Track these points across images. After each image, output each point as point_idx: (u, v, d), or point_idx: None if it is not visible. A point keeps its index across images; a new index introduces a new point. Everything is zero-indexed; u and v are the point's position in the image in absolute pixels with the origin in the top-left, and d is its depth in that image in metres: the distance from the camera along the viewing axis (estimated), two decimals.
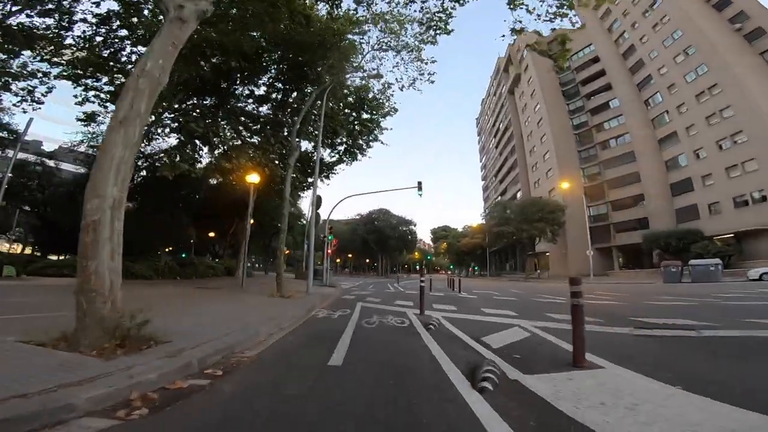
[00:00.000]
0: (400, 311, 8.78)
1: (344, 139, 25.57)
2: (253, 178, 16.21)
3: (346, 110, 23.46)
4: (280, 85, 18.37)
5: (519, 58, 69.96)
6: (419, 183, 23.30)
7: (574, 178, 49.48)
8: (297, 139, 12.97)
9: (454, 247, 73.59)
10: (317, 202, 13.42)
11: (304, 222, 37.55)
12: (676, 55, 44.39)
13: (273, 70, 17.53)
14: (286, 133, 19.69)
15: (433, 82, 19.13)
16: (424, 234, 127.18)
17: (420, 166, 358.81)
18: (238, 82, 17.02)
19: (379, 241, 63.63)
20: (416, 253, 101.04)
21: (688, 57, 43.04)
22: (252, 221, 32.99)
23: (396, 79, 19.45)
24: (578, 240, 50.02)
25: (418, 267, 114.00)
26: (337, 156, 26.82)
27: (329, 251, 21.67)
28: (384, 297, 13.21)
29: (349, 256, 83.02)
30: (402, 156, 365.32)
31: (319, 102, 16.03)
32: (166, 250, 22.01)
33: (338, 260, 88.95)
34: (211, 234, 30.02)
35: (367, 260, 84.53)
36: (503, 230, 42.59)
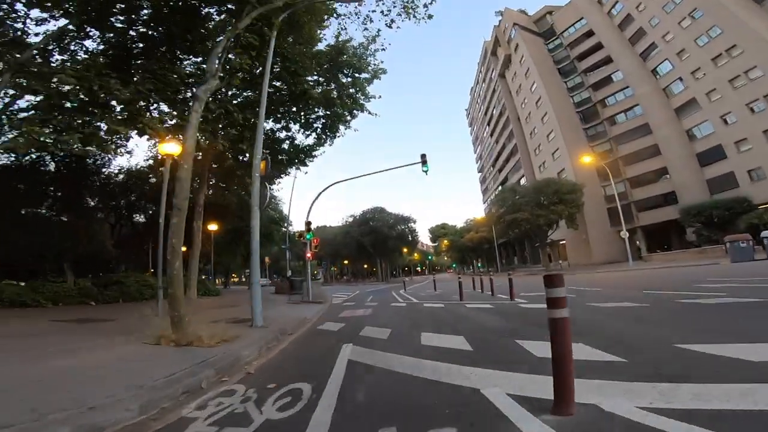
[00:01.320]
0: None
1: (319, 111, 20.19)
2: (171, 148, 10.72)
3: (318, 66, 18.01)
4: None
5: (507, 39, 65.62)
6: (423, 156, 17.88)
7: (583, 157, 45.13)
8: (216, 65, 7.46)
9: (458, 244, 68.22)
10: (265, 167, 7.84)
11: (289, 228, 31.73)
12: (681, 20, 41.19)
13: None
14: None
15: (431, 17, 13.73)
16: (421, 235, 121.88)
17: (408, 168, 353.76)
18: None
19: (376, 243, 57.83)
20: (416, 254, 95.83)
21: (695, 20, 39.88)
22: (215, 227, 27.43)
23: (382, 12, 13.93)
24: (597, 223, 45.55)
25: (419, 268, 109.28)
26: (314, 136, 21.49)
27: (309, 254, 16.04)
28: (397, 323, 7.60)
29: (345, 262, 77.20)
30: (388, 157, 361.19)
31: (266, 29, 10.51)
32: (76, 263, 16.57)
33: (334, 268, 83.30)
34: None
35: (365, 265, 78.81)
36: (516, 217, 37.20)
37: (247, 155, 18.17)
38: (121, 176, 24.13)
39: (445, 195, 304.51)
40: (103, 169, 18.96)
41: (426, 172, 17.87)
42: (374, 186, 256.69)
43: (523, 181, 57.21)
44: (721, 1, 36.65)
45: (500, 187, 65.30)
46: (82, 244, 14.81)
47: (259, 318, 7.27)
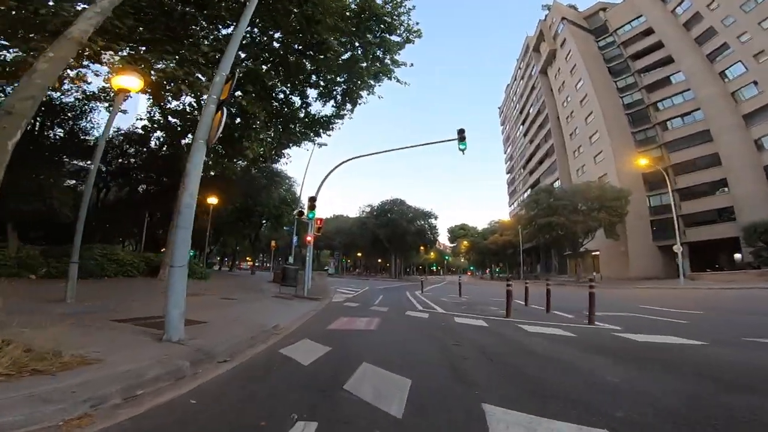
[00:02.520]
0: None
1: (339, 77, 17.11)
2: (127, 81, 7.88)
3: (341, 19, 14.91)
4: None
5: (553, 34, 61.50)
6: (461, 132, 14.57)
7: (630, 162, 41.09)
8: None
9: (479, 246, 64.24)
10: (229, 90, 4.56)
11: (301, 209, 28.80)
12: (763, 20, 36.27)
13: None
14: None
15: None
16: (440, 234, 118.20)
17: (433, 166, 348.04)
18: None
19: (392, 237, 54.37)
20: (433, 254, 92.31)
21: None
22: (216, 200, 24.58)
23: None
24: (638, 235, 41.33)
25: (434, 267, 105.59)
26: (333, 105, 18.42)
27: (309, 237, 12.92)
28: (422, 362, 4.27)
29: (359, 255, 74.27)
30: (410, 155, 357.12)
31: None
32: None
33: (346, 259, 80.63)
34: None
35: (379, 260, 75.67)
36: (551, 221, 33.35)
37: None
38: (120, 137, 21.69)
39: (467, 195, 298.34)
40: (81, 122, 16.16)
41: (463, 150, 14.54)
42: (393, 180, 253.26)
43: (557, 185, 53.08)
44: None
45: (530, 190, 61.37)
46: (32, 202, 12.07)
47: (175, 326, 4.11)
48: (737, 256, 36.73)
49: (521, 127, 77.89)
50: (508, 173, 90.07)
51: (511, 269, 67.21)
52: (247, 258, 67.49)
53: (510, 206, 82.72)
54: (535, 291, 12.01)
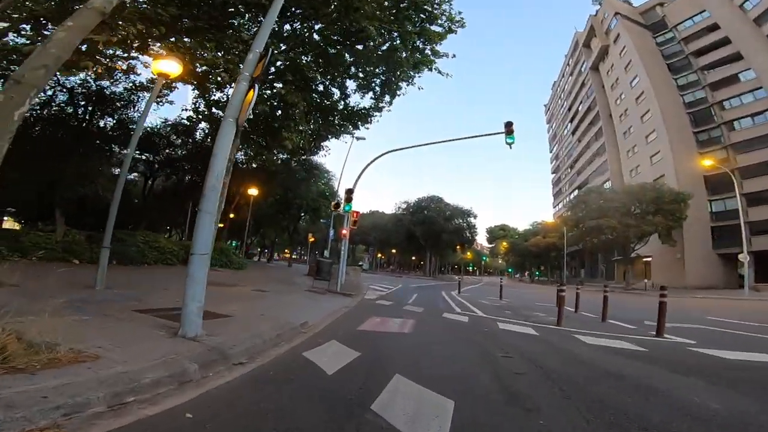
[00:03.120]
0: None
1: (379, 69, 16.62)
2: (167, 66, 7.74)
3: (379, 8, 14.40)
4: None
5: (605, 29, 58.52)
6: (509, 125, 13.74)
7: (691, 163, 38.03)
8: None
9: (519, 248, 62.02)
10: (262, 67, 4.14)
11: (338, 201, 28.67)
12: None
13: None
14: None
15: None
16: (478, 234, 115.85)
17: (473, 164, 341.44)
18: None
19: (428, 235, 53.41)
20: (469, 254, 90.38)
21: None
22: (256, 191, 24.81)
23: None
24: (697, 242, 38.27)
25: (470, 267, 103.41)
26: (372, 96, 17.97)
27: (344, 231, 12.54)
28: (467, 377, 3.63)
29: (393, 251, 73.85)
30: (450, 151, 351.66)
31: None
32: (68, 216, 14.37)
33: (381, 255, 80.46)
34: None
35: (413, 257, 74.88)
36: (601, 224, 31.36)
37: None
38: (167, 128, 22.32)
39: (508, 195, 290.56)
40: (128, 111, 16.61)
41: (510, 144, 13.69)
42: (431, 177, 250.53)
43: (607, 185, 50.21)
44: None
45: (576, 191, 58.53)
46: (79, 188, 12.45)
47: (192, 320, 3.74)
48: None
49: (569, 125, 74.61)
50: (553, 173, 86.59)
51: (552, 273, 64.52)
52: (286, 250, 68.83)
53: (554, 207, 79.53)
54: (582, 297, 10.98)
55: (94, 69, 10.55)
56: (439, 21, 15.44)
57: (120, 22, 9.69)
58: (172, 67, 8.37)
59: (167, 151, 22.41)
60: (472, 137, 15.87)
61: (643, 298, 20.16)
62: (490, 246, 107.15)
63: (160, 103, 17.77)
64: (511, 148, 13.99)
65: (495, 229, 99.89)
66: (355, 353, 4.05)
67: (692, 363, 4.03)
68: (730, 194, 37.06)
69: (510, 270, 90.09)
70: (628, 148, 50.70)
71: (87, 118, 15.22)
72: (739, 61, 41.43)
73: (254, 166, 24.03)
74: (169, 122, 21.82)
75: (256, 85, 4.75)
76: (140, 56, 14.09)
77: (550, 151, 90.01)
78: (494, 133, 14.29)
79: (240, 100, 4.62)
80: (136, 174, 24.52)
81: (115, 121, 16.69)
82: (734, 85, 41.81)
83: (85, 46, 9.60)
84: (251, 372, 3.31)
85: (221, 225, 23.61)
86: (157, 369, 2.76)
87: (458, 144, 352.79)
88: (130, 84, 16.79)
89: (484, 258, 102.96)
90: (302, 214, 35.21)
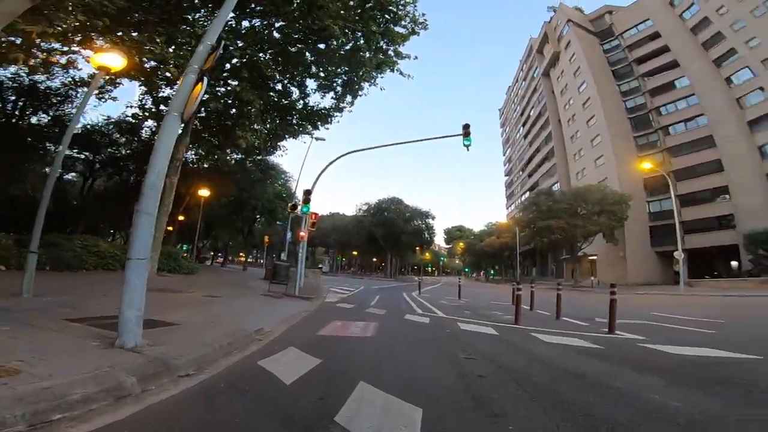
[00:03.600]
0: None
1: (341, 69, 16.43)
2: (108, 60, 7.15)
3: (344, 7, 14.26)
4: None
5: (558, 36, 61.24)
6: (466, 127, 13.96)
7: (631, 166, 40.73)
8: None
9: (475, 248, 63.68)
10: (213, 60, 3.84)
11: (296, 203, 28.22)
12: None
13: None
14: None
15: None
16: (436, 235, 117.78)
17: (431, 167, 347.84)
18: None
19: (389, 236, 53.65)
20: (428, 254, 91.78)
21: None
22: (207, 192, 23.73)
23: None
24: (637, 241, 40.91)
25: (429, 268, 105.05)
26: (332, 96, 17.71)
27: (302, 233, 12.21)
28: (432, 382, 3.56)
29: (354, 253, 73.54)
30: (409, 154, 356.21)
31: None
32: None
33: (342, 257, 79.91)
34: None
35: (374, 259, 74.93)
36: (550, 224, 32.81)
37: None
38: (110, 126, 20.84)
39: (464, 197, 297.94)
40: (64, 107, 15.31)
41: (468, 147, 13.94)
42: (391, 179, 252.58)
43: (556, 187, 52.67)
44: None
45: (528, 193, 60.95)
46: (5, 188, 11.29)
47: (130, 330, 3.40)
48: (734, 263, 36.49)
49: (521, 129, 77.53)
50: (506, 175, 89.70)
51: (506, 272, 66.78)
52: (241, 253, 66.56)
53: (507, 208, 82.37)
54: (536, 295, 11.33)
55: (27, 62, 9.59)
56: (403, 22, 15.49)
57: (60, 14, 8.90)
58: (115, 61, 7.72)
59: (110, 149, 20.95)
60: (431, 139, 16.04)
61: (590, 296, 21.23)
62: (448, 247, 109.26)
63: (102, 100, 16.59)
64: (468, 150, 14.25)
65: (452, 230, 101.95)
66: (316, 360, 3.85)
67: (646, 360, 4.18)
68: (665, 195, 39.92)
69: (467, 270, 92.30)
70: (575, 152, 53.33)
71: (17, 113, 13.85)
72: (675, 69, 44.69)
73: (206, 165, 23.01)
74: (113, 119, 20.44)
75: (205, 78, 4.44)
76: (82, 50, 13.08)
77: (504, 154, 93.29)
78: (452, 135, 14.49)
79: (186, 94, 4.28)
80: (74, 174, 22.74)
81: (50, 118, 15.31)
82: (670, 91, 44.92)
83: (18, 38, 8.74)
84: (199, 384, 3.04)
85: (169, 228, 22.38)
86: (87, 383, 2.45)
87: (418, 146, 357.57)
88: (69, 79, 15.56)
89: (443, 258, 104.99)
90: (258, 216, 34.13)
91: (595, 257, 44.65)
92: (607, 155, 45.64)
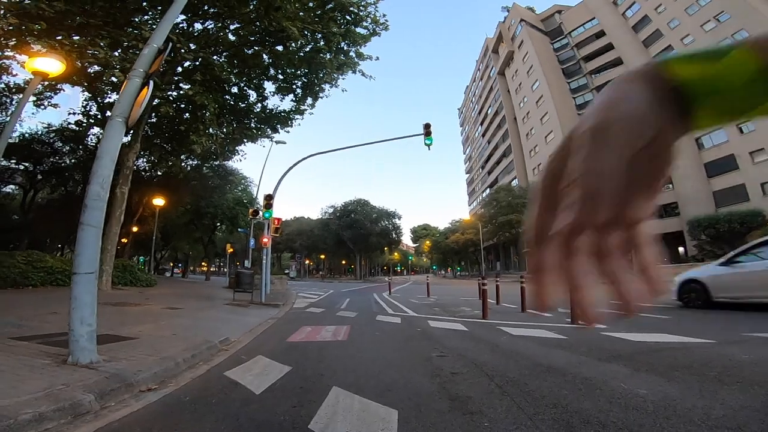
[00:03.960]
0: None
1: (300, 70, 16.21)
2: (45, 64, 6.68)
3: (303, 7, 14.08)
4: None
5: (511, 36, 63.23)
6: (427, 126, 14.14)
7: None
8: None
9: (441, 245, 64.65)
10: (160, 64, 3.66)
11: (257, 208, 27.64)
12: (704, 23, 38.68)
13: None
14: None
15: None
16: (403, 235, 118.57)
17: (394, 168, 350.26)
18: None
19: (357, 238, 53.49)
20: (396, 254, 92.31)
21: (720, 23, 37.19)
22: (162, 201, 22.70)
23: None
24: None
25: (398, 268, 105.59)
26: (292, 99, 17.44)
27: (265, 239, 11.92)
28: (405, 384, 3.53)
29: (322, 257, 72.77)
30: (373, 155, 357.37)
31: None
32: None
33: (309, 261, 78.84)
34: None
35: (343, 261, 74.45)
36: (511, 219, 33.88)
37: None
38: (51, 134, 19.49)
39: (429, 196, 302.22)
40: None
41: (429, 146, 14.12)
42: (355, 181, 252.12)
43: (514, 183, 54.42)
44: (750, 3, 34.17)
45: (488, 190, 62.59)
46: None
47: (83, 346, 3.19)
48: (681, 249, 39.06)
49: (480, 127, 79.45)
50: (467, 173, 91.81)
51: (472, 267, 68.23)
52: (203, 263, 64.30)
53: (470, 205, 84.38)
54: (502, 289, 11.65)
55: None
56: (364, 23, 15.48)
57: None
58: (52, 65, 7.20)
59: (52, 159, 19.59)
60: (393, 139, 16.12)
61: None
62: (415, 245, 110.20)
63: (42, 107, 15.54)
64: (429, 149, 14.43)
65: (418, 229, 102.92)
66: (286, 368, 3.75)
67: (608, 348, 4.36)
68: None
69: (434, 267, 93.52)
70: (531, 148, 55.27)
71: None
72: (619, 66, 46.72)
73: (159, 173, 22.01)
74: (54, 127, 19.12)
75: (151, 82, 4.24)
76: (17, 55, 12.20)
77: (464, 153, 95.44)
78: (413, 135, 14.62)
79: (131, 98, 4.07)
80: (13, 186, 21.11)
81: None
82: None
83: None
84: (163, 399, 2.88)
85: (123, 240, 21.22)
86: (39, 402, 2.29)
87: (382, 147, 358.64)
88: (2, 85, 14.45)
89: (410, 257, 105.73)
90: (218, 224, 33.06)
91: None
92: None
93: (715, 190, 36.66)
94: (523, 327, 6.25)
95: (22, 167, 19.01)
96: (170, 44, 4.80)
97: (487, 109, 74.25)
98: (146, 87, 4.16)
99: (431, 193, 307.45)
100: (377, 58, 16.96)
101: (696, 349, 4.21)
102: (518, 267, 55.34)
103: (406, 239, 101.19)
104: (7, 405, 2.17)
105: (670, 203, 40.27)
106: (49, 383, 2.67)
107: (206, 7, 13.49)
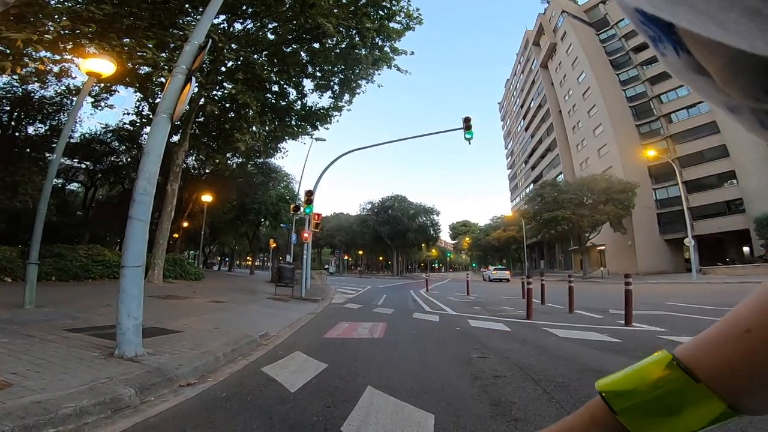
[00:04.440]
0: None
1: (336, 67, 16.27)
2: (97, 65, 6.98)
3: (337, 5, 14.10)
4: None
5: (553, 28, 60.75)
6: (467, 120, 13.74)
7: (635, 155, 40.24)
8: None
9: (481, 242, 63.37)
10: (201, 59, 3.67)
11: (298, 204, 28.17)
12: None
13: None
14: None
15: None
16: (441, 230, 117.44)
17: (434, 162, 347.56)
18: None
19: (394, 234, 53.44)
20: (434, 251, 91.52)
21: None
22: (210, 198, 23.69)
23: None
24: (645, 229, 40.44)
25: (436, 265, 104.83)
26: (330, 95, 17.57)
27: (306, 234, 12.07)
28: (451, 392, 3.47)
29: (360, 253, 73.46)
30: (411, 151, 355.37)
31: None
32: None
33: (347, 257, 79.86)
34: None
35: (380, 258, 74.83)
36: (557, 215, 32.49)
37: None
38: (108, 134, 20.81)
39: (467, 192, 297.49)
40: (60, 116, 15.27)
41: (469, 140, 13.72)
42: (393, 177, 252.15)
43: (560, 179, 52.26)
44: None
45: (532, 185, 60.54)
46: (5, 200, 11.25)
47: (129, 339, 3.28)
48: (746, 249, 36.00)
49: (522, 121, 77.08)
50: (509, 168, 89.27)
51: (513, 265, 66.43)
52: (248, 257, 66.82)
53: (512, 201, 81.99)
54: (546, 288, 11.12)
55: (16, 71, 9.51)
56: (398, 18, 15.36)
57: (44, 19, 8.81)
58: (105, 66, 7.58)
59: (110, 158, 20.91)
60: (432, 134, 15.84)
61: (601, 286, 20.96)
62: (454, 242, 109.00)
63: (99, 108, 16.56)
64: (470, 143, 14.01)
65: (457, 225, 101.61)
66: (322, 365, 3.70)
67: None
68: (672, 182, 39.57)
69: (474, 265, 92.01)
70: (578, 142, 52.91)
71: (12, 124, 13.81)
72: None
73: (207, 171, 22.97)
74: (111, 128, 20.40)
75: (193, 78, 4.31)
76: (75, 58, 13.06)
77: (506, 148, 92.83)
78: (453, 129, 14.27)
79: (175, 95, 4.15)
80: (76, 184, 22.75)
81: (47, 128, 15.29)
82: (670, 79, 44.15)
83: (3, 46, 8.64)
84: (200, 394, 2.89)
85: (175, 235, 22.35)
86: (82, 396, 2.33)
87: (420, 142, 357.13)
88: (63, 88, 15.53)
89: (449, 254, 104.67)
90: (262, 220, 34.12)
91: (603, 247, 44.30)
92: (611, 144, 45.19)
93: None
94: (571, 329, 5.88)
95: (83, 166, 20.46)
96: (210, 41, 4.87)
97: (530, 103, 71.84)
98: (189, 83, 4.24)
99: (471, 189, 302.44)
100: (412, 53, 16.76)
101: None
102: (564, 266, 53.26)
103: (445, 236, 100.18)
104: (51, 398, 2.23)
105: (734, 200, 37.15)
106: (94, 376, 2.75)
107: (244, 7, 13.85)
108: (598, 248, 45.34)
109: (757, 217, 31.42)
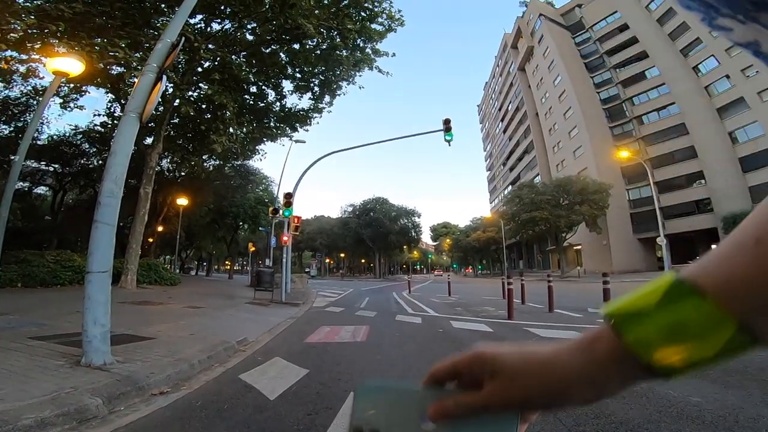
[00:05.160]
0: None
1: (317, 68, 16.12)
2: (65, 64, 6.72)
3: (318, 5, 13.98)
4: None
5: (531, 31, 61.93)
6: (447, 122, 13.81)
7: (609, 156, 41.39)
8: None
9: (461, 244, 63.91)
10: (173, 58, 3.52)
11: (277, 207, 27.69)
12: None
13: None
14: None
15: None
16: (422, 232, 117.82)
17: (413, 165, 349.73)
18: None
19: (376, 237, 53.38)
20: (416, 252, 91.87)
21: None
22: (186, 201, 23.09)
23: None
24: (619, 229, 41.56)
25: (418, 266, 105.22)
26: (310, 97, 17.38)
27: (285, 237, 11.86)
28: None
29: (342, 255, 73.07)
30: (391, 153, 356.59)
31: None
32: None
33: (329, 260, 79.33)
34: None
35: (363, 260, 74.57)
36: (534, 216, 33.09)
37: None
38: (78, 136, 20.04)
39: (447, 194, 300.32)
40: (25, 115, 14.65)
41: (449, 142, 13.80)
42: (374, 179, 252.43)
43: (537, 180, 53.29)
44: None
45: (510, 187, 61.50)
46: None
47: (96, 347, 3.11)
48: (713, 247, 37.41)
49: (500, 124, 78.23)
50: (488, 170, 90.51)
51: (493, 266, 67.24)
52: (226, 262, 65.57)
53: (491, 203, 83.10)
54: (526, 288, 11.25)
55: None
56: (380, 19, 15.33)
57: (9, 18, 8.42)
58: (72, 65, 7.29)
59: (80, 161, 20.15)
60: (413, 135, 15.86)
61: (578, 285, 21.38)
62: (435, 244, 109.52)
63: (68, 108, 15.94)
64: (449, 145, 14.10)
65: (438, 227, 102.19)
66: (303, 371, 3.59)
67: None
68: (644, 183, 40.77)
69: (455, 266, 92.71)
70: (554, 144, 54.03)
71: None
72: (645, 59, 45.44)
73: (182, 174, 22.39)
74: (81, 129, 19.65)
75: (164, 77, 4.16)
76: (43, 58, 12.55)
77: (485, 150, 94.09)
78: (433, 131, 14.33)
79: (145, 93, 3.98)
80: (44, 188, 21.84)
81: (12, 129, 14.60)
82: (642, 82, 45.66)
83: None
84: (174, 403, 2.76)
85: (150, 240, 21.67)
86: (44, 406, 2.18)
87: (400, 144, 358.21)
88: (30, 88, 14.90)
89: (430, 256, 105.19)
90: (240, 223, 33.47)
91: (580, 247, 45.28)
92: (585, 146, 46.36)
93: (751, 185, 34.99)
94: (551, 328, 5.94)
95: (52, 169, 19.66)
96: (183, 39, 4.73)
97: (508, 105, 73.03)
98: (159, 82, 4.09)
99: (451, 191, 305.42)
100: (393, 55, 16.78)
101: (752, 354, 3.85)
102: (542, 265, 54.21)
103: (426, 237, 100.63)
104: (9, 409, 2.08)
105: (702, 199, 38.61)
106: (58, 386, 2.59)
107: (223, 7, 13.57)
108: (574, 248, 46.33)
109: (725, 216, 32.75)
